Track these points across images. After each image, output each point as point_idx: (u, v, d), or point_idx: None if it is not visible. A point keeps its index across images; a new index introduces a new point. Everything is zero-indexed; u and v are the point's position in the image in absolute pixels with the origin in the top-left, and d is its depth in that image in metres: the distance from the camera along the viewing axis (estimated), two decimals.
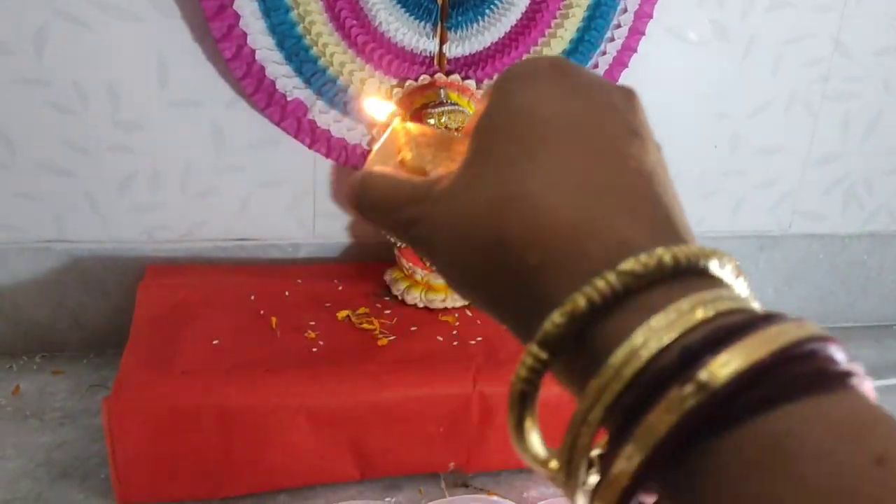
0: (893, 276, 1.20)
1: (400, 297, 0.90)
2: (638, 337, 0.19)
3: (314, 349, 0.79)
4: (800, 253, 1.15)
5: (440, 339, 0.84)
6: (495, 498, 0.78)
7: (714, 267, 0.21)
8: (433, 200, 0.26)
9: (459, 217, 0.25)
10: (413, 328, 0.85)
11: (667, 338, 0.19)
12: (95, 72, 0.86)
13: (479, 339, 0.84)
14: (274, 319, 0.83)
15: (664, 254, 0.21)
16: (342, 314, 0.86)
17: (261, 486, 0.75)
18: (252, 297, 0.87)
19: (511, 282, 0.24)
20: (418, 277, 0.90)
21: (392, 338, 0.82)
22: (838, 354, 0.20)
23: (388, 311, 0.88)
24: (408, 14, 0.88)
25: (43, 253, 0.93)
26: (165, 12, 0.85)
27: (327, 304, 0.88)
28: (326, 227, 1.00)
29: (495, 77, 0.28)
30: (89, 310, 0.96)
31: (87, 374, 0.92)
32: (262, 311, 0.85)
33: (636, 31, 0.94)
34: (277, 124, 0.90)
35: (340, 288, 0.92)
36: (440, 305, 0.89)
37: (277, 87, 0.88)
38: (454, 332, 0.85)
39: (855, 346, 1.15)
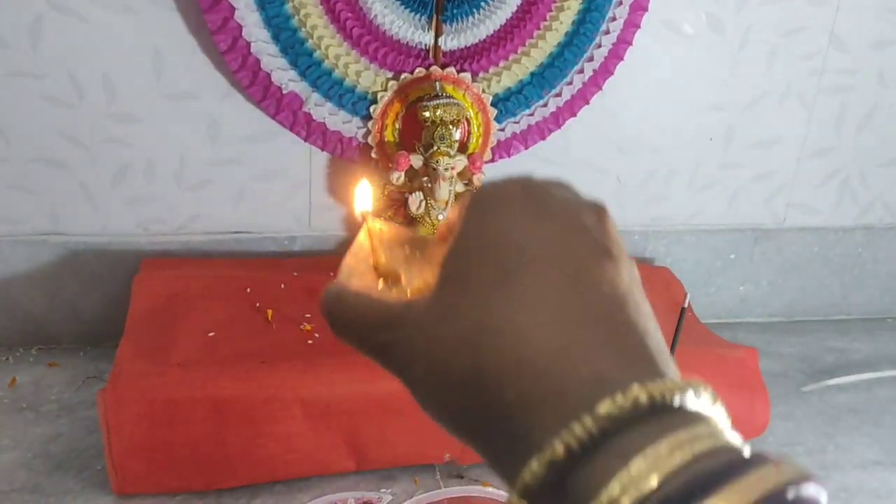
0: (887, 269, 1.20)
1: None
2: (616, 486, 0.19)
3: (309, 341, 0.80)
4: (794, 246, 1.15)
5: None
6: (490, 489, 0.78)
7: (689, 400, 0.21)
8: (407, 327, 0.26)
9: (435, 348, 0.25)
10: None
11: (646, 487, 0.19)
12: (90, 64, 0.86)
13: None
14: (269, 312, 0.84)
15: (640, 392, 0.21)
16: None
17: (256, 477, 0.76)
18: (248, 290, 0.87)
19: (488, 417, 0.23)
20: None
21: None
22: (820, 497, 0.20)
23: None
24: (403, 7, 0.88)
25: (39, 246, 0.93)
26: (160, 4, 0.85)
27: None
28: (322, 220, 1.00)
29: (466, 200, 0.27)
30: (85, 302, 0.96)
31: (83, 367, 0.93)
32: (257, 304, 0.85)
33: (631, 24, 0.94)
34: (273, 117, 0.90)
35: None
36: None
37: (273, 79, 0.88)
38: None
39: (849, 338, 1.15)
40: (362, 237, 0.33)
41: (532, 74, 0.94)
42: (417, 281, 0.31)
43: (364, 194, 0.37)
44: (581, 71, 0.95)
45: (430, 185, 0.88)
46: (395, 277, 0.32)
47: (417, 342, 0.25)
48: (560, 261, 0.24)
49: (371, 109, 0.91)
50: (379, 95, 0.91)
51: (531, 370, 0.22)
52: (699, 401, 0.22)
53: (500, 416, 0.23)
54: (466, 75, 0.92)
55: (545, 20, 0.92)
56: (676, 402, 0.21)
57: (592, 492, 0.20)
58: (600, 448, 0.20)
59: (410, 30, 0.89)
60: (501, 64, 0.93)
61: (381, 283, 0.32)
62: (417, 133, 0.90)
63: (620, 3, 0.93)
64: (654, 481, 0.19)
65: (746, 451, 0.20)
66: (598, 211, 0.27)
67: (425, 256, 0.31)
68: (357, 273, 0.32)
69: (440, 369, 0.25)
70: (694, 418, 0.21)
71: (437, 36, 0.90)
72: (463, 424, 0.25)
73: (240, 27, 0.84)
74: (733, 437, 0.21)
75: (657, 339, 0.24)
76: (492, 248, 0.24)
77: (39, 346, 0.96)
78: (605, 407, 0.20)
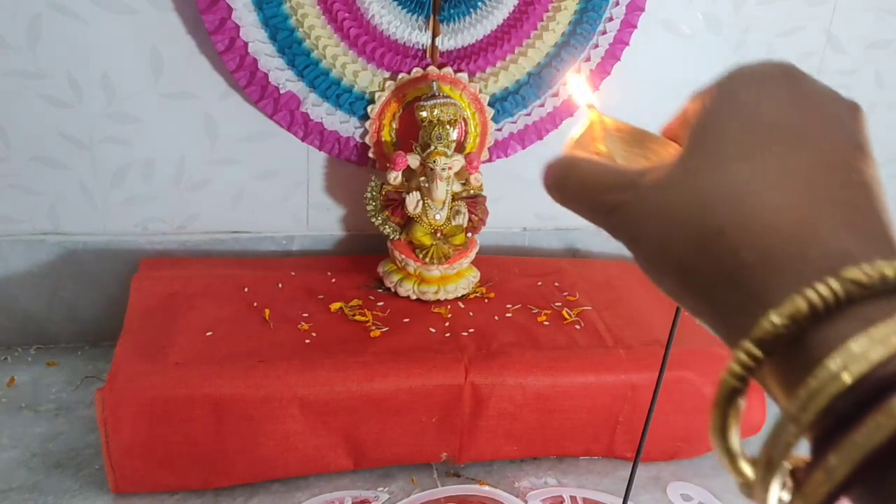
0: None
1: (392, 290, 0.91)
2: (858, 344, 0.19)
3: (307, 340, 0.80)
4: None
5: (433, 330, 0.84)
6: (487, 488, 0.78)
7: None
8: (643, 188, 0.26)
9: (673, 207, 0.25)
10: (405, 320, 0.86)
11: (888, 349, 0.19)
12: (89, 64, 0.86)
13: (472, 330, 0.84)
14: (267, 311, 0.84)
15: (886, 267, 0.21)
16: (335, 306, 0.86)
17: (254, 476, 0.76)
18: (246, 290, 0.88)
19: (721, 276, 0.24)
20: (411, 270, 0.90)
21: (385, 329, 0.83)
22: None
23: (380, 303, 0.89)
24: (400, 7, 0.89)
25: (37, 245, 0.93)
26: (158, 5, 0.85)
27: (320, 296, 0.88)
28: (320, 220, 1.00)
29: (721, 76, 0.28)
30: (84, 302, 0.96)
31: (81, 366, 0.93)
32: (255, 303, 0.85)
33: (628, 25, 0.95)
34: (270, 117, 0.91)
35: (333, 280, 0.92)
36: (432, 297, 0.89)
37: (270, 79, 0.88)
38: (446, 323, 0.86)
39: None
40: (584, 126, 0.34)
41: (529, 75, 0.94)
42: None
43: (583, 85, 0.37)
44: (578, 71, 0.95)
45: (427, 184, 0.88)
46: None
47: (654, 201, 0.25)
48: (812, 144, 0.24)
49: (368, 109, 0.91)
50: (376, 95, 0.91)
51: (774, 235, 0.22)
52: None
53: (736, 275, 0.23)
54: (463, 75, 0.92)
55: (542, 21, 0.92)
56: None
57: (830, 349, 0.20)
58: (842, 311, 0.20)
59: (408, 30, 0.89)
60: (498, 64, 0.93)
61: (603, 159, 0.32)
62: (415, 133, 0.90)
63: (617, 4, 0.93)
64: (894, 345, 0.19)
65: None
66: (854, 107, 0.28)
67: (645, 151, 0.32)
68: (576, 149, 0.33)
69: (676, 224, 0.24)
70: None
71: (434, 36, 0.91)
72: (692, 282, 0.25)
73: (237, 27, 0.85)
74: None
75: None
76: (746, 121, 0.25)
77: (38, 345, 0.96)
78: (852, 273, 0.20)
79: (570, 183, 0.29)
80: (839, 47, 1.04)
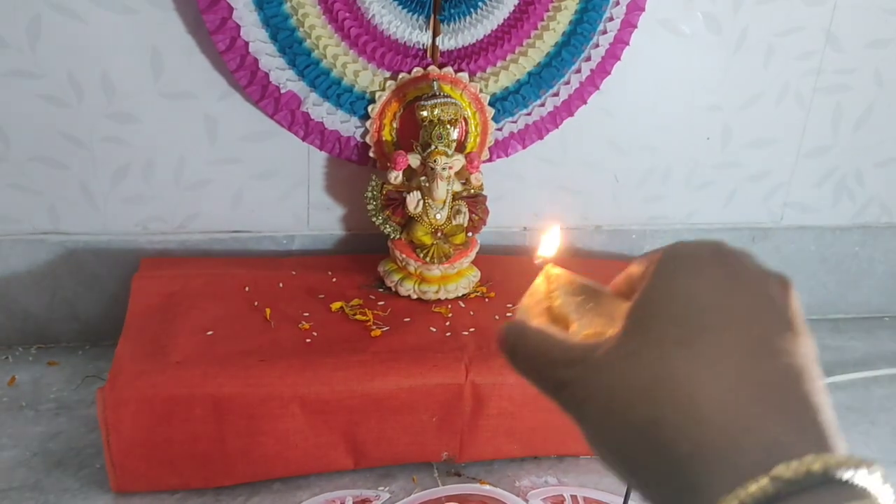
0: (884, 268, 1.21)
1: (393, 289, 0.91)
2: None
3: (308, 340, 0.80)
4: (791, 245, 1.16)
5: (433, 330, 0.84)
6: (487, 487, 0.79)
7: (861, 477, 0.22)
8: (588, 367, 0.27)
9: (614, 390, 0.25)
10: (406, 319, 0.86)
11: None
12: (89, 64, 0.86)
13: (472, 329, 0.84)
14: (268, 310, 0.84)
15: (814, 462, 0.21)
16: (336, 305, 0.87)
17: (255, 475, 0.76)
18: (246, 289, 0.88)
19: (659, 465, 0.24)
20: (411, 269, 0.90)
21: (385, 329, 0.83)
22: None
23: (381, 303, 0.89)
24: (401, 7, 0.89)
25: (38, 245, 0.93)
26: (159, 4, 0.86)
27: (321, 296, 0.88)
28: (320, 219, 1.01)
29: (656, 256, 0.29)
30: (84, 301, 0.96)
31: (82, 365, 0.93)
32: (256, 303, 0.85)
33: (628, 24, 0.95)
34: (271, 117, 0.91)
35: (334, 279, 0.93)
36: (433, 297, 0.90)
37: (271, 79, 0.88)
38: (447, 323, 0.86)
39: (846, 337, 1.16)
40: (540, 281, 0.36)
41: (529, 74, 0.94)
42: (588, 329, 0.32)
43: (552, 240, 0.39)
44: (578, 71, 0.96)
45: (427, 184, 0.89)
46: (565, 322, 0.33)
47: (596, 384, 0.26)
48: (744, 327, 0.25)
49: (369, 109, 0.92)
50: (377, 95, 0.91)
51: (708, 426, 0.23)
52: (870, 478, 0.22)
53: (672, 466, 0.23)
54: (464, 75, 0.92)
55: (542, 20, 0.92)
56: (848, 476, 0.22)
57: None
58: None
59: (408, 30, 0.90)
60: (499, 64, 0.93)
61: (553, 328, 0.33)
62: (415, 132, 0.90)
63: (617, 4, 0.93)
64: None
65: None
66: (784, 284, 0.29)
67: (598, 306, 0.33)
68: (532, 314, 0.34)
69: (616, 413, 0.25)
70: (862, 494, 0.22)
71: (434, 36, 0.91)
72: (632, 469, 0.26)
73: (238, 27, 0.85)
74: None
75: (829, 415, 0.25)
76: (680, 306, 0.26)
77: (39, 344, 0.96)
78: (780, 471, 0.21)
79: (520, 353, 0.30)
80: (839, 47, 1.05)
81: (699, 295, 0.26)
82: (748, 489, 0.21)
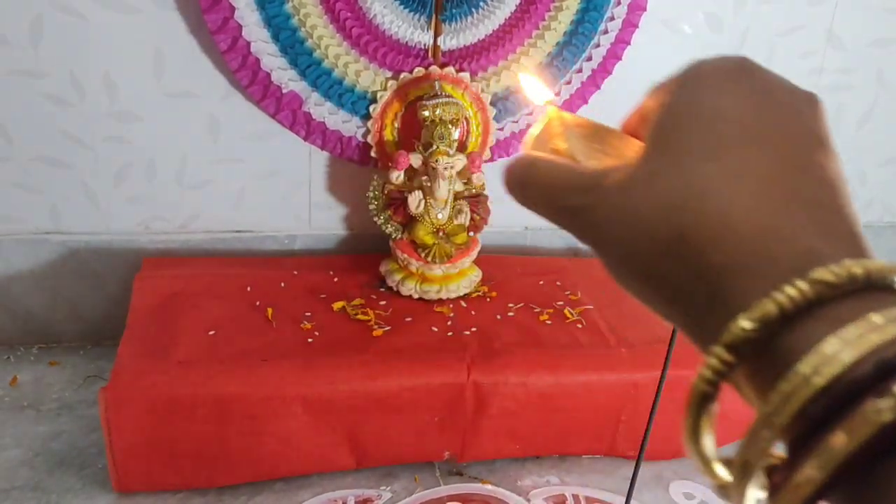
0: None
1: (395, 289, 0.91)
2: (829, 346, 0.19)
3: (310, 339, 0.80)
4: None
5: (435, 329, 0.84)
6: (489, 486, 0.79)
7: None
8: (606, 190, 0.26)
9: (637, 209, 0.24)
10: (408, 319, 0.86)
11: (860, 349, 0.19)
12: (91, 63, 0.86)
13: (474, 329, 0.84)
14: (270, 310, 0.84)
15: (854, 266, 0.20)
16: (338, 305, 0.86)
17: (257, 475, 0.76)
18: (248, 289, 0.88)
19: (687, 278, 0.23)
20: (413, 269, 0.90)
21: (387, 328, 0.83)
22: None
23: (383, 302, 0.89)
24: (402, 7, 0.89)
25: (40, 244, 0.93)
26: (161, 4, 0.86)
27: (323, 296, 0.88)
28: (322, 219, 1.01)
29: (674, 77, 0.28)
30: (86, 301, 0.96)
31: (83, 365, 0.93)
32: (258, 302, 0.85)
33: (630, 24, 0.95)
34: (273, 116, 0.91)
35: (336, 279, 0.93)
36: (435, 297, 0.90)
37: (273, 79, 0.88)
38: (448, 322, 0.86)
39: None
40: (542, 125, 0.34)
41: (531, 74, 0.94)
42: (598, 167, 0.31)
43: (537, 84, 0.37)
44: (580, 70, 0.96)
45: (429, 183, 0.88)
46: (571, 160, 0.32)
47: (617, 204, 0.25)
48: (774, 140, 0.24)
49: (370, 109, 0.92)
50: (378, 95, 0.91)
51: (740, 236, 0.22)
52: None
53: (703, 278, 0.23)
54: (465, 75, 0.92)
55: (544, 20, 0.92)
56: (889, 281, 0.21)
57: (801, 351, 0.20)
58: (812, 312, 0.20)
59: (410, 30, 0.90)
60: (500, 63, 0.93)
61: (563, 159, 0.32)
62: (417, 132, 0.90)
63: (619, 3, 0.93)
64: (867, 345, 0.19)
65: None
66: (812, 99, 0.27)
67: (605, 147, 0.32)
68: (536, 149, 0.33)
69: (640, 226, 0.24)
70: None
71: (436, 36, 0.91)
72: (659, 287, 0.25)
73: (240, 27, 0.85)
74: None
75: (861, 231, 0.24)
76: (707, 120, 0.25)
77: (40, 344, 0.96)
78: (820, 273, 0.20)
79: (530, 184, 0.29)
80: (840, 46, 1.04)
81: (725, 110, 0.25)
82: (787, 292, 0.20)
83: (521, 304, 0.90)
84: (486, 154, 0.96)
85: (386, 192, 0.91)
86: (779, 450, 0.21)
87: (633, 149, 0.27)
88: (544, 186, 0.28)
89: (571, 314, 0.88)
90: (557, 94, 0.96)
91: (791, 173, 0.23)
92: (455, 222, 0.90)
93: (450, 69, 0.91)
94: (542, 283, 0.93)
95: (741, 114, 0.24)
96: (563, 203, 0.27)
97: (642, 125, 0.28)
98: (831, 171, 0.24)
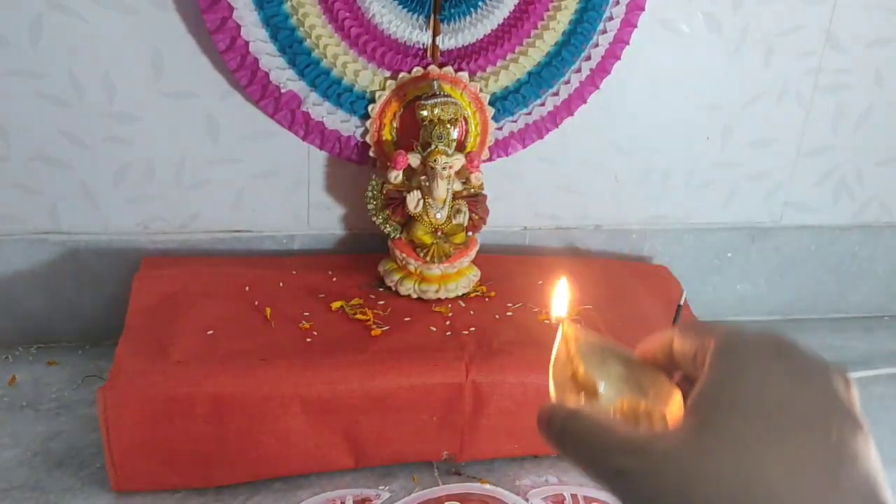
0: (884, 268, 1.21)
1: (393, 288, 0.91)
2: None
3: (308, 339, 0.80)
4: (791, 244, 1.16)
5: (433, 329, 0.84)
6: (488, 486, 0.79)
7: None
8: (654, 458, 0.26)
9: (692, 486, 0.25)
10: (406, 319, 0.86)
11: None
12: (90, 63, 0.86)
13: (473, 329, 0.84)
14: (268, 310, 0.84)
15: None
16: (336, 305, 0.87)
17: (255, 475, 0.76)
18: (247, 288, 0.88)
19: None
20: (412, 268, 0.90)
21: (385, 328, 0.83)
22: None
23: (381, 302, 0.89)
24: (401, 6, 0.89)
25: (38, 244, 0.93)
26: (159, 4, 0.86)
27: (321, 295, 0.88)
28: (320, 219, 1.01)
29: (709, 339, 0.28)
30: (85, 301, 0.96)
31: (82, 365, 0.93)
32: (256, 302, 0.85)
33: (628, 24, 0.95)
34: (271, 116, 0.91)
35: (334, 279, 0.93)
36: (433, 296, 0.90)
37: (271, 79, 0.88)
38: (447, 322, 0.86)
39: (846, 336, 1.16)
40: (560, 345, 0.35)
41: (530, 74, 0.94)
42: (616, 397, 0.32)
43: (562, 296, 0.38)
44: (579, 70, 0.96)
45: (427, 183, 0.89)
46: (593, 389, 0.33)
47: (668, 477, 0.26)
48: (822, 428, 0.25)
49: (369, 108, 0.92)
50: (377, 94, 0.91)
51: None
52: None
53: None
54: (464, 74, 0.92)
55: (542, 20, 0.92)
56: None
57: None
58: None
59: (408, 29, 0.90)
60: (499, 63, 0.93)
61: (582, 397, 0.32)
62: (415, 132, 0.90)
63: (617, 3, 0.93)
64: None
65: None
66: (847, 381, 0.29)
67: (625, 372, 0.33)
68: (565, 389, 0.34)
69: None
70: None
71: (434, 35, 0.91)
72: None
73: (238, 26, 0.85)
74: None
75: None
76: (752, 403, 0.25)
77: (39, 344, 0.96)
78: None
79: (570, 438, 0.29)
80: (839, 46, 1.05)
81: (769, 391, 0.26)
82: None
83: (520, 304, 0.90)
84: (485, 154, 0.96)
85: (384, 191, 0.91)
86: None
87: (657, 382, 0.28)
88: (584, 442, 0.29)
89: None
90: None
91: (839, 464, 0.24)
92: (454, 222, 0.90)
93: (448, 69, 0.92)
94: (540, 282, 0.93)
95: (785, 397, 0.26)
96: (609, 463, 0.27)
97: (665, 360, 0.30)
98: (870, 458, 0.26)
